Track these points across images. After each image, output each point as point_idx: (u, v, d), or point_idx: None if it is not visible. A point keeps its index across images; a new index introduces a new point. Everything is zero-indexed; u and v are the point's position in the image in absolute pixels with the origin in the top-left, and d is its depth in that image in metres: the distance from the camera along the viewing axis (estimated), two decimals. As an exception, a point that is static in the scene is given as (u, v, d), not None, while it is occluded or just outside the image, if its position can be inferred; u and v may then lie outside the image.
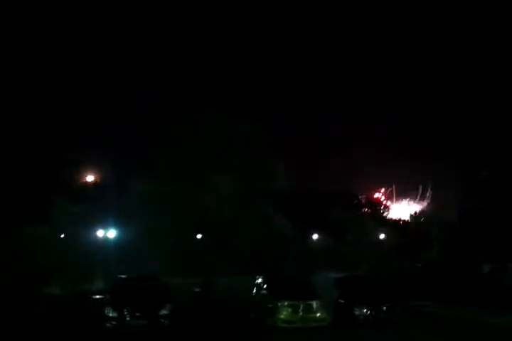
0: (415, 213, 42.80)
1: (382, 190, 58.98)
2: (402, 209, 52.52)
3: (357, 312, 17.69)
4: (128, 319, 15.61)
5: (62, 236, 26.20)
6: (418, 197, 48.16)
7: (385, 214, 50.89)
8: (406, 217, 47.08)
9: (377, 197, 58.36)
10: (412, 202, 50.89)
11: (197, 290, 21.88)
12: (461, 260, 24.54)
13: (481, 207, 28.12)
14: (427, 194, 45.33)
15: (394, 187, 57.04)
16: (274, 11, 62.55)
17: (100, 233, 26.41)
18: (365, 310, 17.66)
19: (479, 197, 28.40)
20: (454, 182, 35.57)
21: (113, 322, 15.54)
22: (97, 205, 27.84)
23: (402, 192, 55.71)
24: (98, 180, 35.44)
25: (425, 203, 44.97)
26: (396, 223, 40.72)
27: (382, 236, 31.75)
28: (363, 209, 35.52)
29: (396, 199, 56.74)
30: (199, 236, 29.23)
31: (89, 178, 35.73)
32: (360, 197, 51.27)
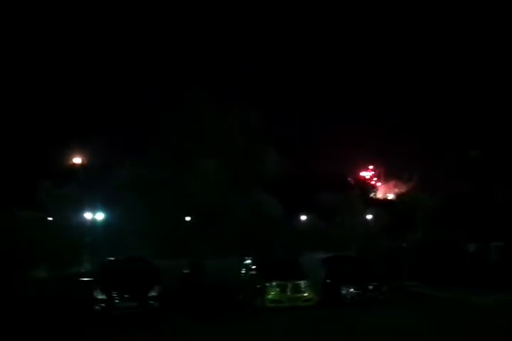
0: (401, 194, 43.22)
1: (371, 170, 59.39)
2: (390, 190, 52.93)
3: (344, 292, 17.95)
4: (117, 301, 15.66)
5: (50, 219, 26.07)
6: (406, 177, 48.49)
7: (372, 195, 51.30)
8: (393, 198, 47.56)
9: (365, 178, 58.75)
10: (400, 183, 51.24)
11: (186, 271, 22.01)
12: (446, 240, 24.87)
13: (466, 188, 28.39)
14: (415, 175, 45.64)
15: (382, 167, 57.44)
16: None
17: (88, 216, 26.27)
18: (351, 290, 17.92)
19: (465, 179, 28.64)
20: (441, 163, 35.90)
21: (102, 305, 15.59)
22: (85, 188, 27.66)
23: (391, 173, 56.07)
24: (85, 162, 35.13)
25: (413, 184, 45.32)
26: (383, 204, 41.07)
27: (369, 216, 32.00)
28: (351, 191, 35.66)
29: (384, 180, 57.13)
30: (188, 218, 29.25)
31: (77, 160, 35.41)
32: (348, 178, 51.60)
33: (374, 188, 55.54)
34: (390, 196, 50.62)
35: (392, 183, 54.02)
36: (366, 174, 59.44)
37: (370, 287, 18.10)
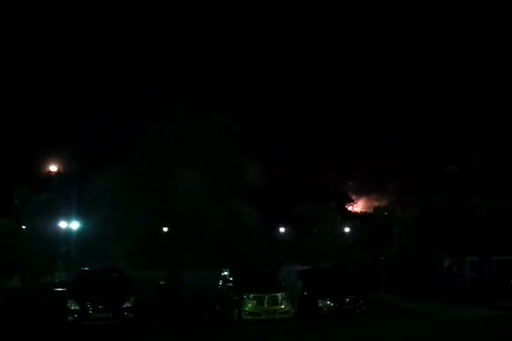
0: (379, 207, 43.58)
1: (350, 183, 59.81)
2: (368, 204, 53.34)
3: (321, 304, 17.96)
4: (91, 312, 15.36)
5: (24, 227, 25.52)
6: (385, 191, 48.97)
7: (350, 208, 51.65)
8: (371, 211, 47.89)
9: (344, 191, 59.12)
10: (379, 197, 51.72)
11: (162, 283, 21.74)
12: (422, 254, 25.15)
13: (442, 202, 28.78)
14: (394, 189, 46.11)
15: (361, 181, 57.93)
16: (257, 15, 62.43)
17: (63, 224, 25.80)
18: (328, 302, 17.94)
19: (441, 193, 29.06)
20: (418, 177, 36.41)
21: (75, 315, 15.27)
22: (60, 196, 27.21)
23: (370, 187, 56.53)
24: (61, 171, 34.61)
25: (392, 198, 45.78)
26: (361, 217, 41.38)
27: (347, 229, 32.18)
28: (329, 203, 35.85)
29: (363, 194, 57.57)
30: (165, 229, 28.93)
31: (53, 168, 34.87)
32: (327, 191, 51.83)
33: (352, 201, 55.93)
34: (369, 209, 51.02)
35: (371, 197, 54.48)
36: (345, 187, 59.87)
37: (347, 299, 18.17)
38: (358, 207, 54.80)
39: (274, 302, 17.29)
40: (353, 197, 57.93)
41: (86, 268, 18.48)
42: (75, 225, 25.85)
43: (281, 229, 34.23)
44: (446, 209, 28.19)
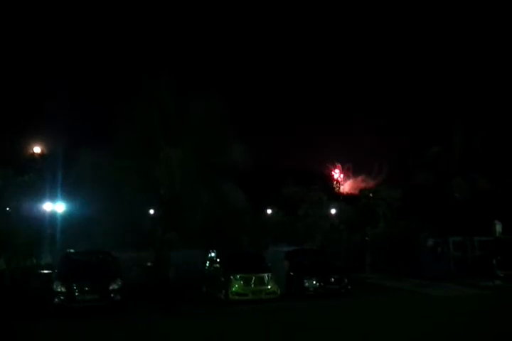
0: (364, 188, 43.89)
1: (338, 165, 60.12)
2: (355, 185, 53.72)
3: (306, 284, 18.21)
4: (77, 294, 15.31)
5: (8, 209, 25.22)
6: (372, 173, 49.39)
7: (336, 190, 51.98)
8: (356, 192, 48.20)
9: (331, 173, 59.43)
10: (367, 178, 52.14)
11: (149, 264, 21.75)
12: (406, 234, 25.49)
13: (425, 183, 29.03)
14: (380, 170, 46.53)
15: (348, 162, 58.28)
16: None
17: (48, 206, 25.53)
18: (314, 282, 18.21)
19: (425, 173, 29.27)
20: (403, 158, 36.63)
21: (61, 297, 15.20)
22: (45, 177, 26.87)
23: (356, 168, 56.97)
24: (45, 152, 34.18)
25: (378, 179, 46.15)
26: (347, 198, 41.65)
27: (333, 211, 32.39)
28: (316, 184, 35.97)
29: (351, 175, 57.98)
30: (151, 211, 28.85)
31: (36, 149, 34.40)
32: (314, 172, 52.00)
33: (338, 183, 56.29)
34: (355, 191, 51.38)
35: (358, 178, 54.88)
36: (333, 169, 60.13)
37: (332, 279, 18.43)
38: (345, 188, 55.17)
39: (261, 282, 17.46)
40: (340, 178, 58.31)
41: (72, 250, 18.38)
42: (60, 207, 25.60)
43: (269, 211, 34.34)
44: (429, 189, 28.48)
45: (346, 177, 59.01)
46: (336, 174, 59.92)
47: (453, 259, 23.52)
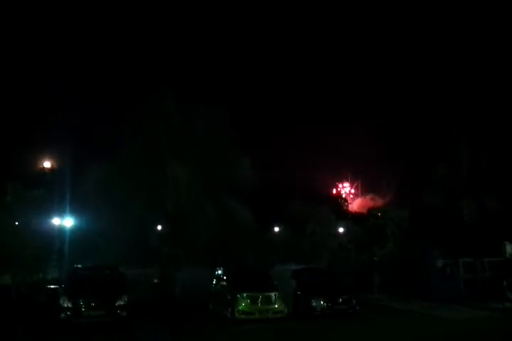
0: (372, 208, 43.68)
1: (347, 184, 59.99)
2: (364, 204, 53.47)
3: (314, 304, 17.99)
4: (83, 309, 15.26)
5: (16, 223, 25.30)
6: (382, 192, 49.21)
7: (344, 208, 51.67)
8: (365, 211, 47.95)
9: (339, 191, 59.24)
10: (375, 197, 51.93)
11: (155, 281, 21.65)
12: (415, 255, 25.22)
13: (434, 203, 28.86)
14: (390, 189, 46.35)
15: (358, 181, 58.17)
16: (249, 17, 62.41)
17: (56, 221, 25.61)
18: (322, 302, 17.98)
19: (434, 194, 29.13)
20: (412, 178, 36.48)
21: (68, 313, 15.18)
22: (54, 192, 27.01)
23: (366, 187, 56.84)
24: (54, 167, 34.39)
25: (386, 198, 45.94)
26: (355, 217, 41.43)
27: (341, 229, 32.19)
28: (323, 203, 35.87)
29: (360, 194, 57.80)
30: (159, 227, 28.84)
31: (46, 164, 34.62)
32: (322, 191, 51.89)
33: (346, 201, 56.00)
34: (364, 209, 51.14)
35: (367, 197, 54.68)
36: (340, 188, 60.00)
37: (340, 300, 18.22)
38: (353, 207, 54.89)
39: (268, 301, 17.30)
40: (348, 196, 58.09)
41: (79, 266, 18.36)
42: (68, 222, 25.66)
43: (275, 229, 34.19)
44: (438, 209, 28.28)
45: (354, 195, 58.80)
46: (344, 192, 59.75)
47: (463, 281, 23.18)
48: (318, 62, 65.12)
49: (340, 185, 59.92)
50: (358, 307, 18.25)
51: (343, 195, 58.29)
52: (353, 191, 59.77)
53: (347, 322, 17.25)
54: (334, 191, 58.07)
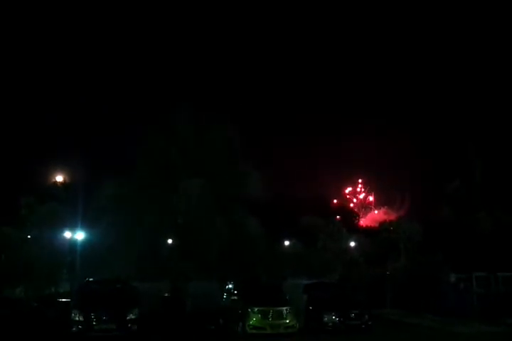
0: (384, 222, 43.36)
1: (360, 196, 59.81)
2: (377, 218, 53.14)
3: (326, 319, 17.75)
4: (94, 323, 15.26)
5: (29, 237, 25.51)
6: (395, 206, 48.98)
7: (356, 222, 51.40)
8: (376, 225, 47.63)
9: (350, 205, 58.96)
10: (388, 211, 51.69)
11: (166, 295, 21.58)
12: (428, 269, 24.94)
13: (447, 218, 28.64)
14: (403, 203, 46.14)
15: (370, 194, 57.96)
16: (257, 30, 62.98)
17: (68, 234, 25.78)
18: (334, 317, 17.73)
19: (447, 208, 28.91)
20: (423, 191, 36.27)
21: (79, 326, 15.18)
22: (66, 206, 27.23)
23: (380, 201, 56.64)
24: (67, 181, 34.72)
25: (399, 212, 45.69)
26: (366, 231, 41.16)
27: (352, 243, 31.98)
28: (335, 217, 35.74)
29: (372, 208, 57.54)
30: (169, 241, 28.86)
31: (59, 178, 34.96)
32: (332, 204, 51.75)
33: (358, 215, 55.74)
34: (376, 224, 50.86)
35: (379, 211, 54.41)
36: (352, 201, 59.78)
37: (353, 315, 17.95)
38: (365, 221, 54.56)
39: (279, 316, 17.12)
40: (361, 211, 57.81)
41: (90, 279, 18.39)
42: (80, 235, 25.81)
43: (286, 242, 34.02)
44: (451, 223, 28.03)
45: (366, 209, 58.51)
46: (356, 205, 59.47)
47: (476, 295, 22.84)
48: (333, 74, 65.40)
49: (352, 199, 59.72)
50: (370, 322, 17.97)
51: (355, 209, 58.01)
52: (364, 204, 59.51)
53: (359, 337, 17.01)
54: (346, 205, 57.81)
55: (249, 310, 17.06)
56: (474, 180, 29.04)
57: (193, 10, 58.72)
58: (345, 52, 66.60)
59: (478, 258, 24.00)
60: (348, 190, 59.11)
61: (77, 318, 15.29)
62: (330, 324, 17.68)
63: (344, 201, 58.06)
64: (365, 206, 58.79)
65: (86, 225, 26.37)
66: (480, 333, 17.57)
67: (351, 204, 58.94)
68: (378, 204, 56.71)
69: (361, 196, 59.78)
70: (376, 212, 56.31)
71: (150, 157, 30.07)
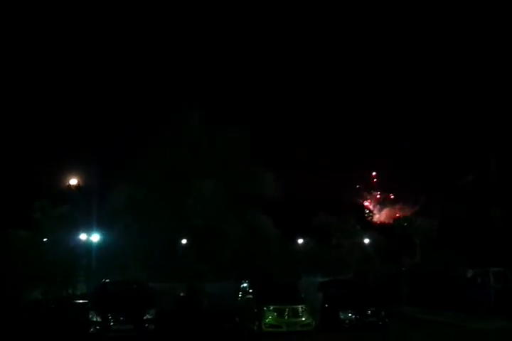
0: (399, 218, 43.12)
1: (371, 194, 59.55)
2: (391, 214, 52.89)
3: (342, 317, 17.69)
4: (112, 323, 15.41)
5: (45, 239, 25.80)
6: (410, 202, 48.67)
7: (369, 219, 51.19)
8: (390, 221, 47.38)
9: (364, 202, 58.77)
10: (402, 208, 51.40)
11: (182, 294, 21.74)
12: (445, 265, 24.74)
13: (462, 213, 28.46)
14: (417, 199, 45.79)
15: (384, 191, 57.70)
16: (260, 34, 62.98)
17: (83, 237, 26.04)
18: (350, 315, 17.67)
19: (462, 204, 28.73)
20: (438, 187, 36.00)
21: (97, 327, 15.35)
22: (81, 209, 27.49)
23: (394, 197, 56.35)
24: (81, 184, 35.01)
25: (414, 209, 45.39)
26: (380, 227, 41.01)
27: (367, 240, 31.88)
28: (348, 214, 35.61)
29: (386, 204, 57.24)
30: (184, 241, 29.04)
31: (73, 181, 35.26)
32: (346, 202, 51.51)
33: (371, 212, 55.48)
34: (390, 220, 50.59)
35: (393, 208, 54.12)
36: (366, 198, 59.57)
37: (369, 312, 17.87)
38: (380, 217, 54.34)
39: (295, 314, 17.09)
40: (376, 207, 57.58)
41: (107, 280, 18.56)
42: (95, 238, 26.04)
43: (300, 240, 34.04)
44: (466, 219, 27.83)
45: (380, 206, 58.20)
46: (370, 203, 59.24)
47: (494, 290, 22.59)
48: (343, 78, 65.18)
49: (365, 196, 59.48)
50: (387, 320, 17.88)
51: (369, 206, 57.81)
52: (377, 202, 59.24)
53: (376, 334, 16.92)
54: (359, 202, 57.62)
55: (265, 308, 17.05)
56: (489, 176, 28.81)
57: (208, 11, 58.91)
58: (357, 50, 66.27)
59: (496, 253, 23.77)
60: (362, 187, 58.82)
61: (94, 319, 15.46)
62: (346, 321, 17.60)
63: (358, 198, 57.83)
64: (379, 202, 58.49)
65: (101, 227, 26.61)
66: (498, 328, 17.36)
67: (365, 202, 58.70)
68: (392, 200, 56.34)
69: (375, 192, 59.51)
70: (390, 208, 55.97)
71: (162, 158, 30.31)
